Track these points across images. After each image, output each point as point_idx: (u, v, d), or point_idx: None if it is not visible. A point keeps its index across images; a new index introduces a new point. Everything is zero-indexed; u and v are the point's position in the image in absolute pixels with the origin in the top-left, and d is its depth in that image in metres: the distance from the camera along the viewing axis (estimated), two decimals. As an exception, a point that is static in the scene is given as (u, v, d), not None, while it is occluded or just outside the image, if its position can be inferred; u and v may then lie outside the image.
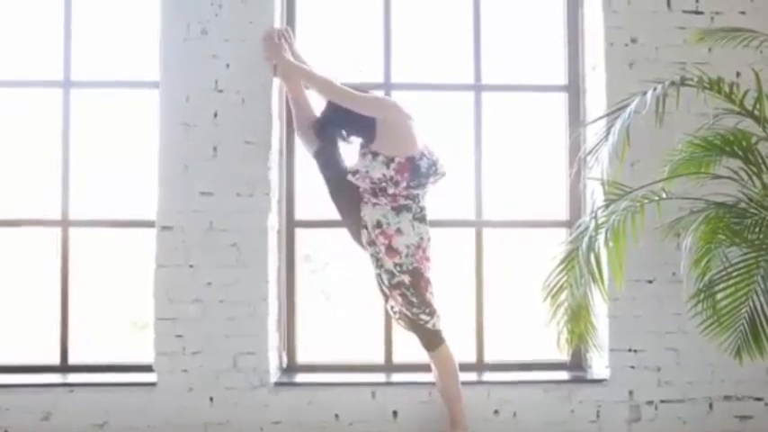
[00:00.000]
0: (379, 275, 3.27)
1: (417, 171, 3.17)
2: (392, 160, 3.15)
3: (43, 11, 3.80)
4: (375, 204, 3.20)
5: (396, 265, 3.17)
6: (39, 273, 3.91)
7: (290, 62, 3.41)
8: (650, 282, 3.50)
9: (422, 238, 3.21)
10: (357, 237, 3.30)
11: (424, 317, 3.20)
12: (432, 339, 3.23)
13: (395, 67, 3.77)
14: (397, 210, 3.19)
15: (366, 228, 3.22)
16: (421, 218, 3.23)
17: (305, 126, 3.40)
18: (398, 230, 3.17)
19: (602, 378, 3.53)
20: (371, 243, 3.22)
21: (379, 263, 3.23)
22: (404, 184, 3.17)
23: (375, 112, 3.23)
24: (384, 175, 3.16)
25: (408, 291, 3.19)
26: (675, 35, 3.55)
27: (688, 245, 2.83)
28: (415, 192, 3.21)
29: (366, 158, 3.21)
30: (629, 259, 2.96)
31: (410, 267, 3.17)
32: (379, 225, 3.18)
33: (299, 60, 3.45)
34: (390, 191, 3.17)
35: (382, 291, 3.31)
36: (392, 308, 3.32)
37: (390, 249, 3.17)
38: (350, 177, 3.25)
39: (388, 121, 3.20)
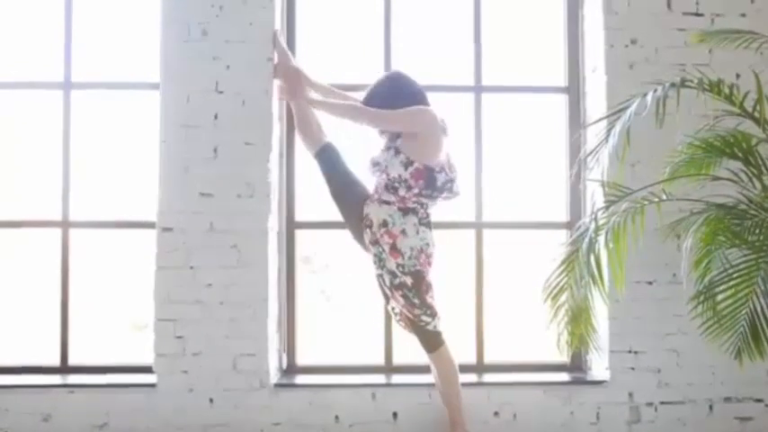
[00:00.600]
0: (380, 276, 3.26)
1: (432, 182, 3.15)
2: (411, 164, 3.14)
3: (44, 12, 3.81)
4: (383, 203, 3.19)
5: (398, 265, 3.17)
6: (39, 274, 3.91)
7: (312, 99, 3.40)
8: (650, 283, 3.50)
9: (427, 244, 3.20)
10: (359, 237, 3.30)
11: (425, 318, 3.20)
12: (432, 341, 3.23)
13: (395, 68, 3.77)
14: (404, 211, 3.18)
15: (370, 227, 3.21)
16: (426, 223, 3.21)
17: (305, 127, 3.40)
18: (403, 232, 3.16)
19: (603, 380, 3.53)
20: (374, 243, 3.21)
21: (381, 263, 3.22)
22: (416, 191, 3.15)
23: (406, 127, 3.18)
24: (399, 176, 3.15)
25: (410, 292, 3.19)
26: (676, 37, 3.55)
27: (688, 246, 2.83)
28: (425, 201, 3.21)
29: (388, 153, 3.20)
30: (629, 261, 2.97)
31: (412, 269, 3.17)
32: (384, 224, 3.17)
33: (311, 84, 3.45)
34: (401, 193, 3.16)
35: (383, 291, 3.30)
36: (393, 309, 3.32)
37: (394, 249, 3.16)
38: (369, 169, 3.26)
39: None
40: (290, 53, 3.54)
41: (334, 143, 3.38)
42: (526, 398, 3.52)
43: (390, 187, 3.18)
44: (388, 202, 3.19)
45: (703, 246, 2.85)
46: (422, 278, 3.18)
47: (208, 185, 3.46)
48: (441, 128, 3.20)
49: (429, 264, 3.22)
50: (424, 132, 3.16)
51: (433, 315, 3.21)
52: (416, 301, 3.18)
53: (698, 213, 2.89)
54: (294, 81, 3.42)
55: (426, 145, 3.15)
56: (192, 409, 3.44)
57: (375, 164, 3.24)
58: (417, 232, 3.17)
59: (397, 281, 3.20)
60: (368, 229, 3.22)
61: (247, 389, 3.44)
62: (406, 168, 3.14)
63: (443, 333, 3.25)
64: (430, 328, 3.21)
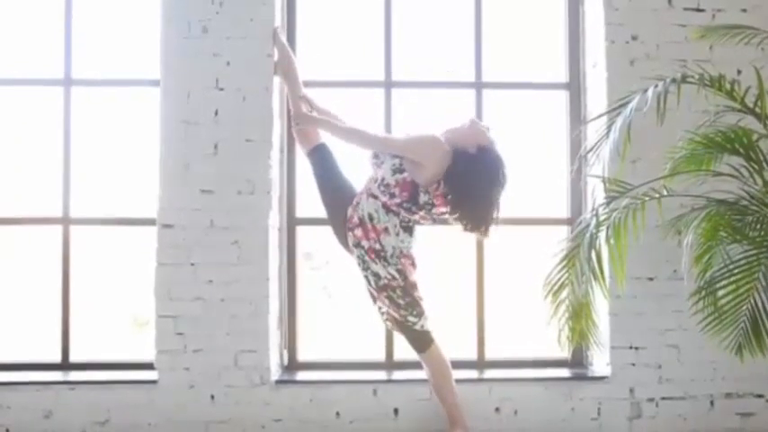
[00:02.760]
0: (366, 277, 3.24)
1: (415, 199, 3.11)
2: (401, 172, 3.11)
3: (44, 9, 3.80)
4: (371, 196, 3.17)
5: (384, 262, 3.17)
6: (40, 271, 3.91)
7: (317, 118, 3.34)
8: (651, 279, 3.50)
9: (407, 247, 3.19)
10: (343, 239, 3.27)
11: (411, 318, 3.19)
12: (420, 341, 3.23)
13: (395, 65, 3.77)
14: (387, 210, 3.15)
15: (352, 230, 3.18)
16: (407, 228, 3.19)
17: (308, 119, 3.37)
18: (386, 230, 3.14)
19: (604, 375, 3.53)
20: (357, 245, 3.19)
21: (365, 265, 3.20)
22: (397, 200, 3.11)
23: (415, 156, 3.10)
24: (383, 179, 3.13)
25: (395, 293, 3.18)
26: (676, 32, 3.55)
27: (689, 242, 2.83)
28: (404, 214, 3.15)
29: (386, 155, 3.18)
30: (630, 257, 2.97)
31: (397, 267, 3.17)
32: (370, 218, 3.16)
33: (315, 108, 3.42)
34: (382, 198, 3.13)
35: (369, 292, 3.29)
36: (380, 308, 3.31)
37: (379, 244, 3.15)
38: (369, 159, 3.24)
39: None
40: (290, 49, 3.54)
41: (328, 144, 3.37)
42: (527, 394, 3.53)
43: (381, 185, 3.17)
44: (375, 197, 3.17)
45: (704, 242, 2.85)
46: (405, 277, 3.17)
47: (208, 182, 3.46)
48: (443, 155, 3.09)
49: (413, 266, 3.21)
50: (428, 164, 3.08)
51: (420, 315, 3.20)
52: (402, 301, 3.18)
53: (699, 209, 2.89)
54: (298, 107, 3.38)
55: (424, 170, 3.08)
56: (193, 405, 3.44)
57: (375, 156, 3.22)
58: (397, 234, 3.16)
59: (381, 282, 3.19)
60: (350, 233, 3.20)
61: (248, 385, 3.45)
62: (393, 174, 3.11)
63: (432, 332, 3.24)
64: (417, 327, 3.20)
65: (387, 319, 3.31)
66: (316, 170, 3.36)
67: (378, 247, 3.15)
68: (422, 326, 3.21)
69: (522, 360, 3.77)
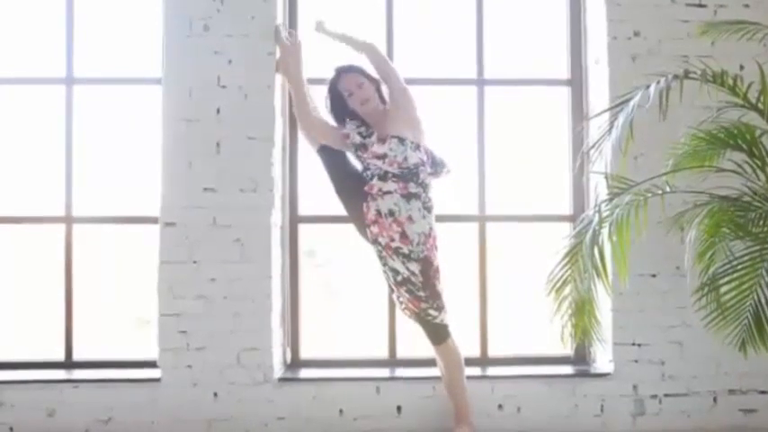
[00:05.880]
0: (384, 272, 3.27)
1: (434, 159, 3.28)
2: (418, 147, 3.23)
3: (46, 7, 3.80)
4: (386, 194, 3.18)
5: (409, 251, 3.15)
6: (43, 269, 3.91)
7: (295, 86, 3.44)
8: (654, 276, 3.49)
9: (431, 228, 3.21)
10: (363, 232, 3.29)
11: (432, 312, 3.20)
12: (438, 333, 3.23)
13: (397, 62, 3.76)
14: (407, 197, 3.17)
15: (369, 227, 3.20)
16: (429, 208, 3.23)
17: (307, 123, 3.38)
18: (410, 218, 3.16)
19: (606, 372, 3.53)
20: (375, 241, 3.22)
21: (383, 261, 3.22)
22: (429, 171, 3.26)
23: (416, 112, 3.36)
24: (421, 160, 3.21)
25: (414, 286, 3.18)
26: (679, 28, 3.54)
27: (692, 238, 2.83)
28: (435, 178, 3.29)
29: (391, 143, 3.20)
30: (632, 253, 2.96)
31: (420, 256, 3.16)
32: (391, 213, 3.17)
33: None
34: (421, 176, 3.20)
35: (389, 285, 3.31)
36: (398, 298, 3.31)
37: (404, 237, 3.15)
38: (372, 162, 3.23)
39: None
40: (289, 43, 3.53)
41: None
42: (530, 391, 3.52)
43: (403, 176, 3.17)
44: (389, 192, 3.18)
45: (707, 238, 2.84)
46: (429, 264, 3.18)
47: (210, 180, 3.46)
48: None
49: (436, 248, 3.23)
50: (418, 114, 3.32)
51: (440, 308, 3.20)
52: (422, 294, 3.18)
53: (701, 205, 2.89)
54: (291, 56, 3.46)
55: (422, 125, 3.29)
56: (196, 403, 3.44)
57: (380, 156, 3.21)
58: (423, 217, 3.19)
59: (399, 277, 3.20)
60: (367, 229, 3.22)
61: (251, 383, 3.45)
62: (418, 150, 3.22)
63: (450, 326, 3.25)
64: (437, 321, 3.21)
65: (405, 309, 3.31)
66: (328, 166, 3.35)
67: (397, 243, 3.16)
68: (441, 319, 3.22)
69: (524, 357, 3.77)
